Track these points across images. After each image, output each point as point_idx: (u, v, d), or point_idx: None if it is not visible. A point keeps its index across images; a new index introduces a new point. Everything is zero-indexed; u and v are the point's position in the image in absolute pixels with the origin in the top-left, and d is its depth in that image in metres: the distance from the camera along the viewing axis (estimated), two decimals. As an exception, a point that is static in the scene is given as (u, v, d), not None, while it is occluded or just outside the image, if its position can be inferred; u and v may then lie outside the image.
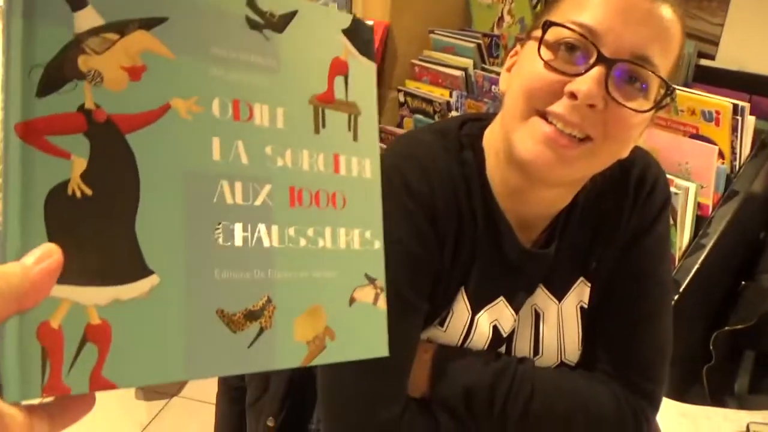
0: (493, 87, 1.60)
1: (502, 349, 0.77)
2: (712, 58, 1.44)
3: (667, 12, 0.61)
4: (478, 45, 1.71)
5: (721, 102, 1.19)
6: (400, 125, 1.85)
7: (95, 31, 0.36)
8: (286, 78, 0.43)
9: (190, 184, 0.38)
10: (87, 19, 0.35)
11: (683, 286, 1.13)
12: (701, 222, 1.19)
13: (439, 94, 1.71)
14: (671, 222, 1.15)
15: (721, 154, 1.21)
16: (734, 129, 1.20)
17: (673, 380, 1.21)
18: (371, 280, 0.46)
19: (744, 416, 1.10)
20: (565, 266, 0.75)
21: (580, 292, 0.76)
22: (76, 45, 0.35)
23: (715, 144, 1.21)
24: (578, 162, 0.63)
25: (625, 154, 0.67)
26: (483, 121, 0.76)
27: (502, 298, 0.75)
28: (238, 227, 0.40)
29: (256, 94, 0.41)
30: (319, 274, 0.43)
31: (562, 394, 0.72)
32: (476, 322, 0.74)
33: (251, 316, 0.39)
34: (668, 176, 1.15)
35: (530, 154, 0.63)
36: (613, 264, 0.75)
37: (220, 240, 0.39)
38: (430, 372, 0.72)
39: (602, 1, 0.61)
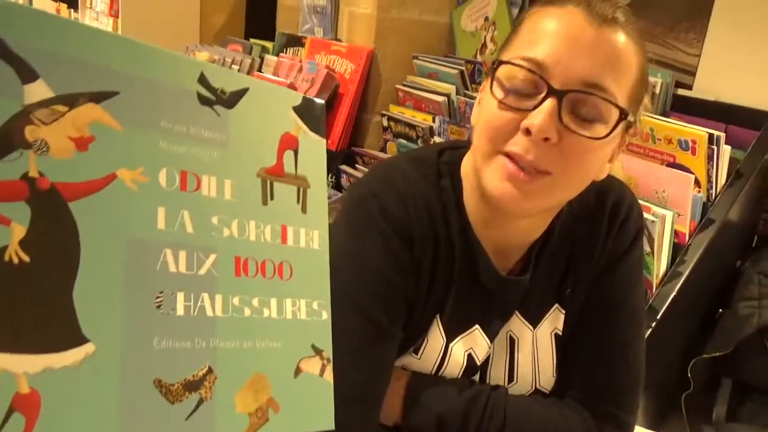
0: (475, 113, 1.61)
1: (477, 375, 0.76)
2: (689, 87, 1.47)
3: (617, 36, 0.62)
4: (461, 71, 1.73)
5: (697, 131, 1.21)
6: (383, 150, 1.86)
7: (45, 103, 0.36)
8: (235, 151, 0.44)
9: (132, 252, 0.38)
10: (37, 91, 0.36)
11: (660, 314, 1.14)
12: (678, 250, 1.20)
13: (422, 119, 1.72)
14: (648, 250, 1.16)
15: (697, 183, 1.23)
16: (710, 158, 1.22)
17: (651, 408, 1.21)
18: (318, 351, 0.46)
19: (719, 445, 1.09)
20: (540, 293, 0.76)
21: (555, 319, 0.77)
22: (23, 116, 0.36)
23: (692, 172, 1.23)
24: (541, 194, 0.64)
25: (588, 180, 0.68)
26: (461, 149, 0.77)
27: (477, 326, 0.75)
28: (180, 296, 0.40)
29: (204, 165, 0.43)
30: (263, 344, 0.43)
31: (534, 422, 0.71)
32: (450, 351, 0.74)
33: (191, 386, 0.39)
34: (645, 204, 1.17)
35: (496, 191, 0.64)
36: (586, 291, 0.75)
37: (162, 309, 0.39)
38: (403, 400, 0.72)
39: (549, 34, 0.62)
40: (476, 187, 0.70)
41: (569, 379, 0.76)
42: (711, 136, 1.20)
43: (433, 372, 0.75)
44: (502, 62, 0.64)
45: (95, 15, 3.34)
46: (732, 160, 1.26)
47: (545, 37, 0.62)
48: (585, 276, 0.75)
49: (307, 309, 0.46)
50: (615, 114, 0.62)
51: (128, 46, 0.40)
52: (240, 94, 0.45)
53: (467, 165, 0.73)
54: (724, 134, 1.21)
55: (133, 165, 0.39)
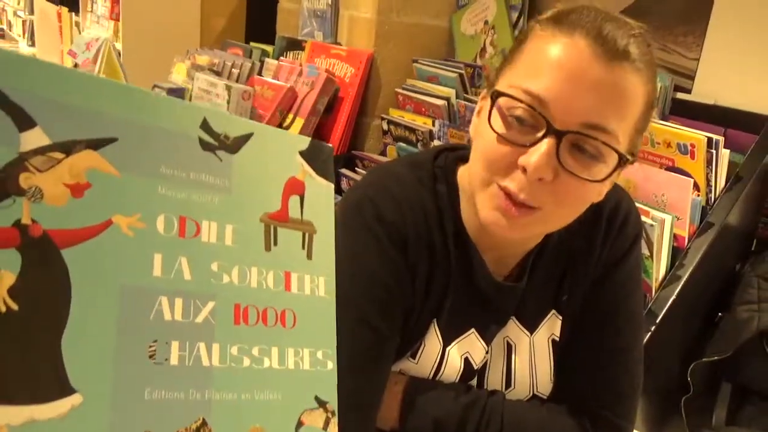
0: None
1: (475, 381, 0.77)
2: (688, 91, 1.47)
3: (626, 75, 0.58)
4: (461, 75, 1.73)
5: (696, 135, 1.21)
6: (383, 153, 1.86)
7: (41, 150, 0.36)
8: (237, 196, 0.44)
9: (126, 299, 0.37)
10: (33, 138, 0.36)
11: (660, 317, 1.14)
12: (677, 253, 1.20)
13: (422, 122, 1.72)
14: (647, 254, 1.16)
15: (696, 187, 1.23)
16: (709, 162, 1.22)
17: (651, 411, 1.21)
18: (322, 404, 0.44)
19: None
20: (536, 299, 0.76)
21: (552, 325, 0.77)
22: (18, 163, 0.36)
23: (691, 176, 1.23)
24: (530, 227, 0.65)
25: (581, 210, 0.67)
26: (458, 150, 0.77)
27: (473, 330, 0.75)
28: (174, 345, 0.38)
29: (205, 211, 0.42)
30: (262, 396, 0.41)
31: (531, 428, 0.72)
32: (447, 355, 0.74)
33: None
34: (644, 208, 1.17)
35: (487, 219, 0.64)
36: (584, 297, 0.75)
37: (155, 358, 0.37)
38: (400, 404, 0.72)
39: (553, 66, 0.59)
40: (471, 197, 0.70)
41: (567, 385, 0.76)
42: (710, 139, 1.20)
43: (431, 376, 0.75)
44: (501, 94, 0.62)
45: (96, 18, 3.35)
46: (731, 164, 1.26)
47: (548, 69, 0.59)
48: (582, 282, 0.75)
49: (311, 358, 0.44)
50: (615, 157, 0.61)
51: (128, 93, 0.40)
52: (244, 138, 0.45)
53: (464, 175, 0.73)
54: (723, 138, 1.21)
55: (129, 211, 0.39)
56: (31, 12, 5.76)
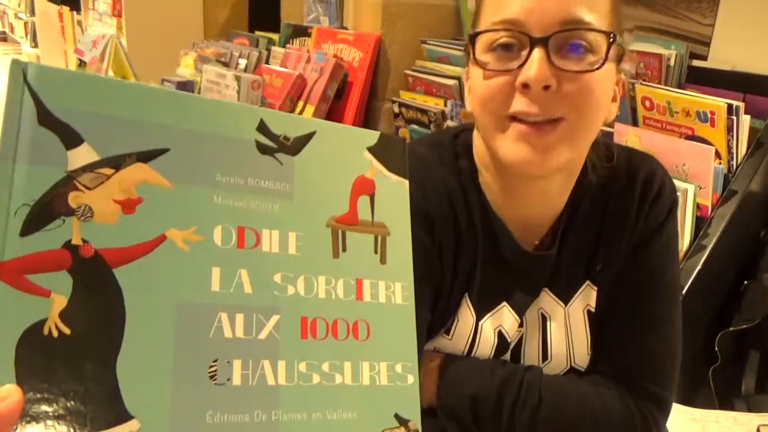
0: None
1: (509, 355, 0.76)
2: (704, 58, 1.45)
3: None
4: (471, 54, 1.71)
5: (716, 102, 1.19)
6: (396, 136, 1.85)
7: (89, 167, 0.35)
8: (300, 201, 0.41)
9: (183, 317, 0.36)
10: (81, 156, 0.35)
11: (686, 288, 1.13)
12: (701, 223, 1.19)
13: (433, 103, 1.71)
14: (672, 224, 1.15)
15: (717, 155, 1.21)
16: (729, 129, 1.20)
17: (679, 383, 1.20)
18: (403, 422, 0.41)
19: (754, 419, 1.09)
20: (569, 269, 0.75)
21: (587, 296, 0.76)
22: (67, 182, 0.35)
23: (712, 144, 1.21)
24: (561, 144, 0.63)
25: (601, 120, 0.66)
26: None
27: (504, 303, 0.74)
28: (237, 364, 0.36)
29: (265, 219, 0.40)
30: (335, 416, 0.38)
31: (570, 401, 0.71)
32: (481, 329, 0.74)
33: None
34: (666, 178, 1.15)
35: (516, 156, 0.63)
36: (620, 268, 0.75)
37: (216, 379, 0.36)
38: (436, 381, 0.72)
39: None
40: (491, 164, 0.70)
41: (605, 357, 0.75)
42: (730, 106, 1.18)
43: (465, 352, 0.74)
44: (478, 33, 0.64)
45: (98, 16, 3.34)
46: (752, 130, 1.24)
47: None
48: (617, 252, 0.74)
49: (389, 373, 0.41)
50: (602, 40, 0.62)
51: (178, 100, 0.38)
52: (306, 138, 0.42)
53: (478, 145, 0.73)
54: (743, 104, 1.19)
55: (184, 224, 0.37)
56: (33, 13, 5.76)
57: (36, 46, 5.90)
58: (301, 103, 1.86)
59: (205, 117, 0.39)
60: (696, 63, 1.44)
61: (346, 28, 2.02)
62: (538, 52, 0.60)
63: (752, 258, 1.29)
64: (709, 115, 1.21)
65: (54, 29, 5.56)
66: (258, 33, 2.32)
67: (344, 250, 0.42)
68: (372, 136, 0.45)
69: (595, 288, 0.76)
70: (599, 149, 0.75)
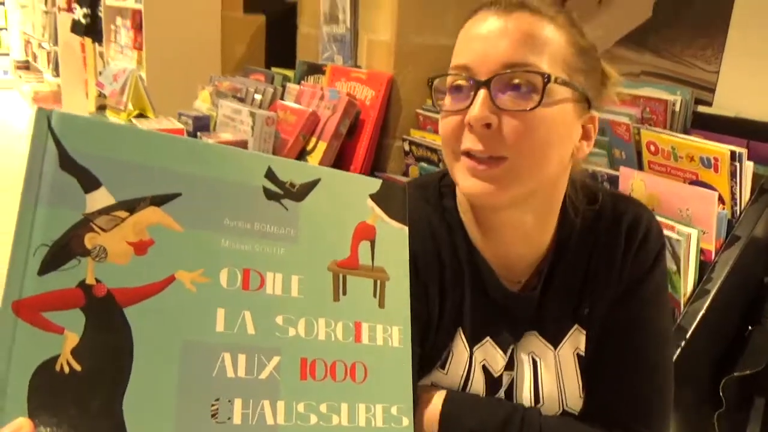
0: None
1: (503, 395, 0.77)
2: (709, 104, 1.47)
3: (525, 17, 0.66)
4: (480, 95, 1.75)
5: (719, 148, 1.21)
6: (405, 173, 1.88)
7: (105, 210, 0.37)
8: (304, 245, 0.42)
9: (188, 356, 0.37)
10: (99, 199, 0.37)
11: (690, 332, 1.13)
12: (705, 267, 1.20)
13: (442, 142, 1.74)
14: (674, 269, 1.16)
15: (721, 200, 1.23)
16: (733, 175, 1.22)
17: (684, 428, 1.20)
18: None
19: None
20: (556, 312, 0.77)
21: (576, 339, 0.77)
22: (84, 224, 0.36)
23: (715, 190, 1.23)
24: (507, 180, 0.66)
25: (554, 158, 0.68)
26: None
27: (488, 338, 0.76)
28: (237, 403, 0.37)
29: (269, 262, 0.41)
30: None
31: None
32: (474, 361, 0.75)
33: None
34: (670, 222, 1.17)
35: (468, 189, 0.68)
36: (608, 312, 0.76)
37: (217, 417, 0.37)
38: (439, 417, 0.73)
39: (468, 39, 0.69)
40: (464, 199, 0.74)
41: (596, 401, 0.77)
42: (733, 152, 1.20)
43: (461, 387, 0.76)
44: (433, 77, 0.71)
45: (119, 48, 3.43)
46: (756, 176, 1.25)
47: (465, 43, 0.68)
48: (604, 296, 0.76)
49: (384, 415, 0.42)
50: (542, 81, 0.65)
51: (192, 147, 0.40)
52: (311, 185, 0.44)
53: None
54: (747, 150, 1.21)
55: (192, 266, 0.38)
56: (56, 43, 5.91)
57: (57, 75, 6.04)
58: (313, 140, 1.90)
59: (216, 164, 0.40)
60: (701, 109, 1.47)
61: (359, 67, 2.07)
62: (480, 94, 0.65)
63: (756, 303, 1.30)
64: (712, 161, 1.23)
65: (76, 59, 5.70)
66: (274, 69, 2.38)
67: (344, 293, 0.43)
68: (374, 184, 0.47)
69: (584, 332, 0.77)
70: (580, 191, 0.77)
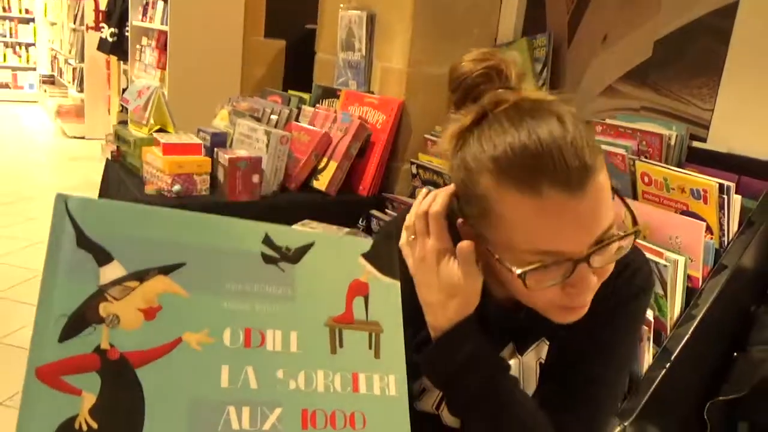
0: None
1: None
2: (703, 140, 1.54)
3: (595, 181, 0.62)
4: (486, 123, 1.82)
5: (708, 181, 1.28)
6: (412, 195, 1.95)
7: (118, 281, 0.40)
8: (301, 304, 0.45)
9: (195, 412, 0.39)
10: (111, 271, 0.40)
11: (674, 355, 1.18)
12: (691, 293, 1.25)
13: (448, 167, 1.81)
14: (661, 293, 1.21)
15: (709, 230, 1.28)
16: (721, 206, 1.28)
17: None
18: None
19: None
20: (534, 329, 0.81)
21: (540, 349, 0.82)
22: (99, 295, 0.40)
23: (704, 220, 1.29)
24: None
25: None
26: None
27: None
28: None
29: (269, 321, 0.44)
30: None
31: (529, 413, 0.74)
32: None
33: None
34: (658, 249, 1.23)
35: (565, 321, 0.72)
36: (573, 325, 0.79)
37: None
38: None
39: (546, 226, 0.62)
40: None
41: (542, 405, 0.77)
42: (721, 185, 1.26)
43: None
44: (525, 273, 0.65)
45: (143, 67, 3.56)
46: (744, 209, 1.31)
47: (546, 229, 0.63)
48: (581, 321, 0.78)
49: None
50: (622, 233, 0.67)
51: (195, 220, 0.44)
52: (305, 248, 0.46)
53: None
54: (735, 184, 1.27)
55: (197, 327, 0.41)
56: (82, 60, 6.09)
57: (81, 90, 6.20)
58: (325, 159, 1.98)
59: (217, 233, 0.44)
60: (696, 144, 1.53)
61: (372, 93, 2.16)
62: (580, 270, 0.64)
63: (742, 331, 1.34)
64: (702, 193, 1.29)
65: (100, 76, 5.86)
66: (291, 92, 2.48)
67: (341, 346, 0.46)
68: (365, 244, 0.50)
69: (548, 343, 0.82)
70: None
